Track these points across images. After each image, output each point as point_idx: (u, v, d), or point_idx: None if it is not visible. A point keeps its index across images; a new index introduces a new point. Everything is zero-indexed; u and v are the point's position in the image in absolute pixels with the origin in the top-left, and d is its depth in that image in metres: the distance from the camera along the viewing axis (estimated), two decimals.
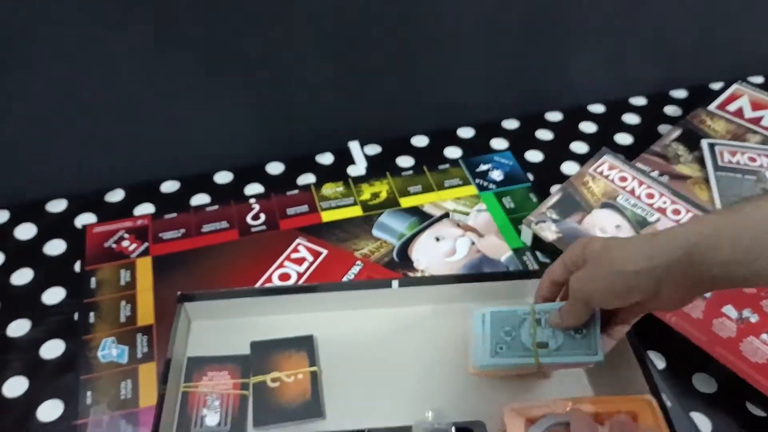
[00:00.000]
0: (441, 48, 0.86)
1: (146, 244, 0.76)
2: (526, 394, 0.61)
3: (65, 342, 0.67)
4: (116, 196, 0.84)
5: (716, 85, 1.02)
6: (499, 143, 0.93)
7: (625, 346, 0.62)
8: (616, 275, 0.49)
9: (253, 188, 0.85)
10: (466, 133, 0.95)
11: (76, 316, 0.69)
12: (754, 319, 0.64)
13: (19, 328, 0.68)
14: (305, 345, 0.64)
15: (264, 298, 0.66)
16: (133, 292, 0.71)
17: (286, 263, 0.74)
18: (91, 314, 0.69)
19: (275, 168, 0.88)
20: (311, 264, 0.74)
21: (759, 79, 1.04)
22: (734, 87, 0.96)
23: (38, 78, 0.72)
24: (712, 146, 0.86)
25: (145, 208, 0.82)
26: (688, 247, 0.45)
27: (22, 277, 0.73)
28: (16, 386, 0.64)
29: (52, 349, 0.67)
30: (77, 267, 0.74)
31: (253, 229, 0.78)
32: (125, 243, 0.76)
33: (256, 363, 0.63)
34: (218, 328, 0.66)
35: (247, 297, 0.66)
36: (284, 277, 0.72)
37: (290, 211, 0.80)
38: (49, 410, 0.62)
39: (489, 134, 0.94)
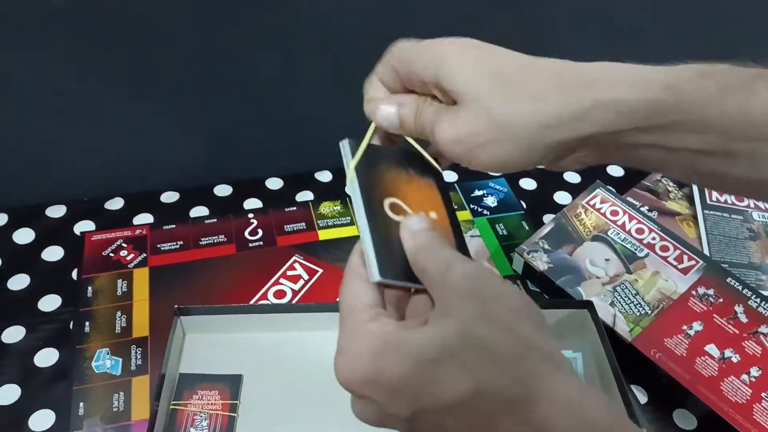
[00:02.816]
0: None
1: (144, 255, 0.77)
2: None
3: (59, 351, 0.68)
4: (116, 204, 0.84)
5: None
6: None
7: (610, 381, 0.64)
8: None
9: (252, 203, 0.86)
10: None
11: (71, 325, 0.69)
12: (735, 359, 0.66)
13: (14, 334, 0.69)
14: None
15: (260, 315, 0.67)
16: (129, 303, 0.71)
17: (282, 280, 0.75)
18: (86, 324, 0.69)
19: (274, 183, 0.89)
20: (307, 282, 0.75)
21: None
22: None
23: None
24: None
25: (145, 218, 0.83)
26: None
27: (19, 282, 0.74)
28: (9, 394, 0.64)
29: (46, 358, 0.67)
30: (74, 275, 0.75)
31: (251, 245, 0.79)
32: (123, 252, 0.77)
33: None
34: (212, 343, 0.67)
35: (244, 314, 0.67)
36: (279, 294, 0.73)
37: (288, 227, 0.81)
38: (41, 420, 0.62)
39: None
